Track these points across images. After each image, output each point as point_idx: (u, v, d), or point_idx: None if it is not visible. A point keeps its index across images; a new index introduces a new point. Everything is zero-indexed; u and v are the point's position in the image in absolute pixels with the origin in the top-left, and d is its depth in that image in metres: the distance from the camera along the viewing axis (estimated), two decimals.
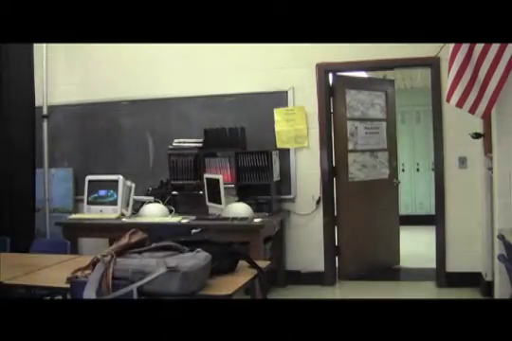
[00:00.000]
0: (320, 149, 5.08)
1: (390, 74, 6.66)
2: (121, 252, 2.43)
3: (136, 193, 4.93)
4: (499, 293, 3.81)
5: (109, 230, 4.47)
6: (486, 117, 3.86)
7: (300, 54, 4.96)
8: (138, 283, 2.27)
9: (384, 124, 5.71)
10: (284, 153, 5.10)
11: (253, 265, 2.70)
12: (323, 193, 5.08)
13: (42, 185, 5.29)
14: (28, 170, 4.96)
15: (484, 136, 4.25)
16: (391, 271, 5.59)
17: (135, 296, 2.25)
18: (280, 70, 5.08)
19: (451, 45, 3.63)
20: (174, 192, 5.03)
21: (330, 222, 5.14)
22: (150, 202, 4.87)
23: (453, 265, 4.86)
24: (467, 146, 4.70)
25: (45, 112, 5.39)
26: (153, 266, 2.32)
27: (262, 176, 4.85)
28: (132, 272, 2.33)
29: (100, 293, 2.27)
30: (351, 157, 5.37)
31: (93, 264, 2.38)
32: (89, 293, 2.25)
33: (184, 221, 4.52)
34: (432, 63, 4.83)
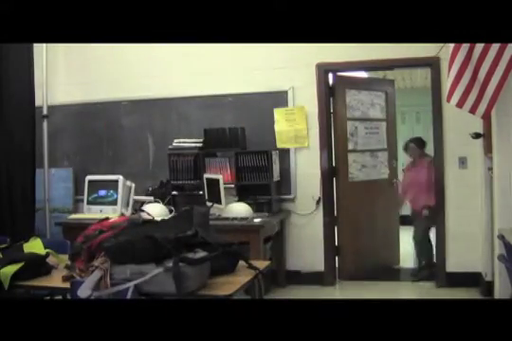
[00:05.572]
0: (320, 149, 5.08)
1: (390, 74, 6.67)
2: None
3: (136, 193, 4.93)
4: (499, 293, 3.81)
5: None
6: (487, 117, 3.86)
7: (300, 54, 4.95)
8: (136, 281, 2.28)
9: (384, 124, 5.71)
10: (284, 153, 5.10)
11: (250, 266, 2.70)
12: (323, 193, 5.08)
13: (42, 185, 5.29)
14: (28, 170, 4.96)
15: (484, 136, 4.25)
16: (391, 271, 5.60)
17: (129, 294, 2.25)
18: (280, 70, 5.08)
19: (451, 45, 3.63)
20: (174, 192, 5.04)
21: (330, 222, 5.14)
22: (150, 202, 4.88)
23: (453, 265, 4.87)
24: (467, 146, 4.70)
25: (45, 112, 5.39)
26: (151, 267, 2.32)
27: (262, 176, 4.84)
28: (130, 273, 2.33)
29: (97, 291, 2.27)
30: (351, 157, 5.37)
31: (91, 271, 2.38)
32: (84, 291, 2.26)
33: None
34: (432, 63, 4.83)
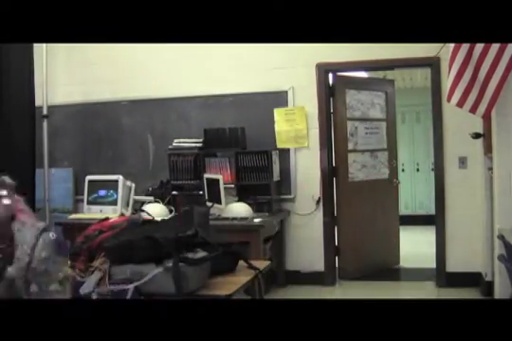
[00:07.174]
0: (320, 149, 5.08)
1: (390, 74, 6.67)
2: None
3: (136, 193, 4.93)
4: (499, 293, 3.81)
5: None
6: (487, 117, 3.86)
7: (300, 54, 4.96)
8: (136, 283, 2.28)
9: (384, 124, 5.72)
10: (284, 153, 5.10)
11: (250, 266, 2.70)
12: (323, 193, 5.09)
13: (42, 185, 5.29)
14: (28, 170, 4.96)
15: (484, 136, 4.25)
16: (391, 271, 5.60)
17: (129, 295, 2.25)
18: (280, 70, 5.08)
19: (451, 45, 3.63)
20: (174, 192, 5.04)
21: (330, 222, 5.14)
22: (150, 202, 4.88)
23: (453, 265, 4.87)
24: (467, 146, 4.70)
25: (45, 112, 5.39)
26: (151, 267, 2.32)
27: (262, 176, 4.85)
28: (130, 273, 2.33)
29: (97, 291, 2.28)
30: (351, 157, 5.37)
31: (91, 272, 2.38)
32: (85, 289, 2.26)
33: None
34: (432, 63, 4.83)
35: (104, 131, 5.51)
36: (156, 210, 4.66)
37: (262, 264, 2.82)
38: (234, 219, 4.44)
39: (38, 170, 5.13)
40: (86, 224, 3.34)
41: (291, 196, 5.14)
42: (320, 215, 5.11)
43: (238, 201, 4.80)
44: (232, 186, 4.94)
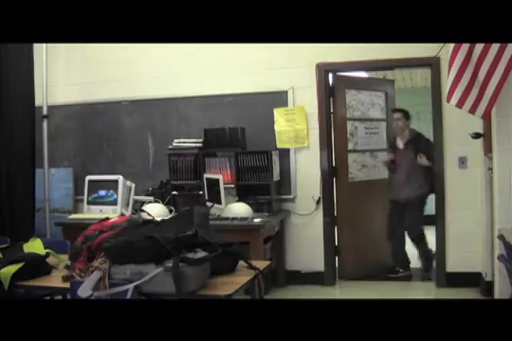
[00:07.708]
0: (320, 149, 5.08)
1: (390, 74, 6.67)
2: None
3: (136, 193, 4.93)
4: (499, 293, 3.81)
5: None
6: (487, 117, 3.86)
7: (300, 54, 4.96)
8: (135, 283, 2.28)
9: (384, 124, 5.71)
10: (284, 153, 5.10)
11: (250, 266, 2.70)
12: (323, 193, 5.08)
13: (42, 185, 5.29)
14: (28, 170, 4.96)
15: (484, 136, 4.25)
16: (391, 271, 5.59)
17: (129, 295, 2.25)
18: (280, 70, 5.08)
19: (451, 45, 3.63)
20: (174, 192, 5.04)
21: (330, 222, 5.14)
22: (150, 202, 4.88)
23: (453, 265, 4.86)
24: (467, 146, 4.70)
25: (45, 112, 5.38)
26: (151, 267, 2.32)
27: (262, 176, 4.84)
28: (130, 273, 2.33)
29: (97, 291, 2.27)
30: (351, 157, 5.37)
31: (91, 272, 2.38)
32: (84, 291, 2.26)
33: None
34: (432, 63, 4.83)
35: (104, 131, 5.51)
36: (156, 210, 4.66)
37: (262, 264, 2.82)
38: (234, 219, 4.43)
39: (38, 170, 5.13)
40: (86, 224, 3.35)
41: (291, 196, 5.14)
42: (319, 215, 5.11)
43: (238, 201, 4.80)
44: (232, 186, 4.93)
